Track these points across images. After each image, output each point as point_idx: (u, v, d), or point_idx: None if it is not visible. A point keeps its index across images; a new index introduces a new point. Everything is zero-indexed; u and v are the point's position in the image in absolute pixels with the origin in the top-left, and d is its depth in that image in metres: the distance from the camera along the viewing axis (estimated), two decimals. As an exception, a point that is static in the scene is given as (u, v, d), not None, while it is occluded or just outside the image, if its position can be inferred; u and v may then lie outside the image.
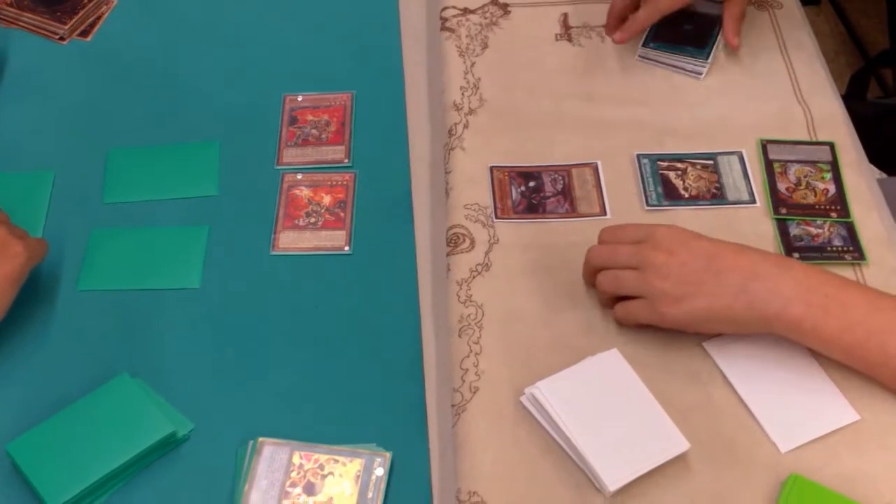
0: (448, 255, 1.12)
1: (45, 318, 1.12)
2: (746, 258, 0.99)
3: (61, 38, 1.39)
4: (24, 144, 1.28)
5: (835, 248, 1.10)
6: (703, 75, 1.26)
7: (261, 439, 1.01)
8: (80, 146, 1.27)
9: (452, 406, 1.02)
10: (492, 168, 1.19)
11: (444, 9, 1.37)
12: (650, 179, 1.17)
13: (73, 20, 1.40)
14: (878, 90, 2.40)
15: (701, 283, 0.99)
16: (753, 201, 1.15)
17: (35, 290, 1.11)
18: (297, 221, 1.18)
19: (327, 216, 1.19)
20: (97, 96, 1.33)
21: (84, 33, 1.40)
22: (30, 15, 1.40)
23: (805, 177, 1.17)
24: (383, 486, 0.98)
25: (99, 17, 1.41)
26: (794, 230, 1.12)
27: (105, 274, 1.15)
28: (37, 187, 1.23)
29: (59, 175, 1.24)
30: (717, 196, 1.15)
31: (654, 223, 1.05)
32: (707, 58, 1.26)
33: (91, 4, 1.41)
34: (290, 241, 1.17)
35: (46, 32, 1.39)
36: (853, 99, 1.31)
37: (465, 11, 1.36)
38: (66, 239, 1.18)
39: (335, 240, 1.17)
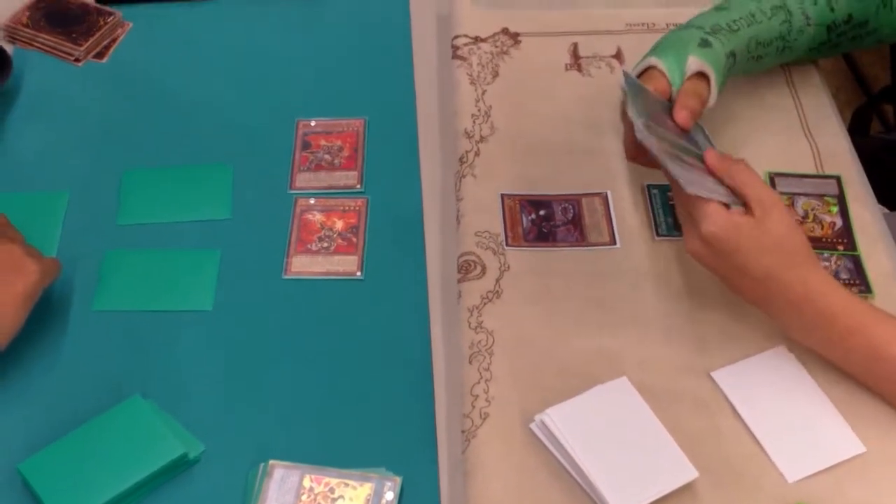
0: (459, 281, 1.13)
1: (58, 338, 1.13)
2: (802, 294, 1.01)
3: (77, 60, 1.40)
4: (39, 165, 1.29)
5: (842, 282, 1.10)
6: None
7: (271, 462, 1.01)
8: (95, 167, 1.28)
9: (462, 432, 1.02)
10: (502, 196, 1.20)
11: (456, 37, 1.38)
12: (660, 210, 1.18)
13: (89, 42, 1.41)
14: (879, 126, 2.42)
15: (742, 280, 1.02)
16: (762, 233, 1.16)
17: (49, 310, 1.11)
18: (309, 246, 1.19)
19: (339, 241, 1.20)
20: (112, 118, 1.34)
21: (99, 55, 1.41)
22: (46, 36, 1.41)
23: (812, 210, 1.18)
24: (393, 510, 0.99)
25: (114, 40, 1.43)
26: (802, 263, 1.13)
27: (119, 295, 1.16)
28: (51, 207, 1.24)
29: (74, 196, 1.25)
30: (726, 227, 1.16)
31: (776, 198, 1.03)
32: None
33: (107, 27, 1.42)
34: (303, 265, 1.18)
35: (62, 54, 1.41)
36: (856, 134, 1.32)
37: (477, 40, 1.38)
38: (80, 259, 1.19)
39: (347, 265, 1.18)
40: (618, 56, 1.36)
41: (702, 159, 1.08)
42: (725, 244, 1.01)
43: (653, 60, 1.15)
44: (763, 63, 1.24)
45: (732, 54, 1.17)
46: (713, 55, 1.15)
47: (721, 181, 1.05)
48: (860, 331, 1.00)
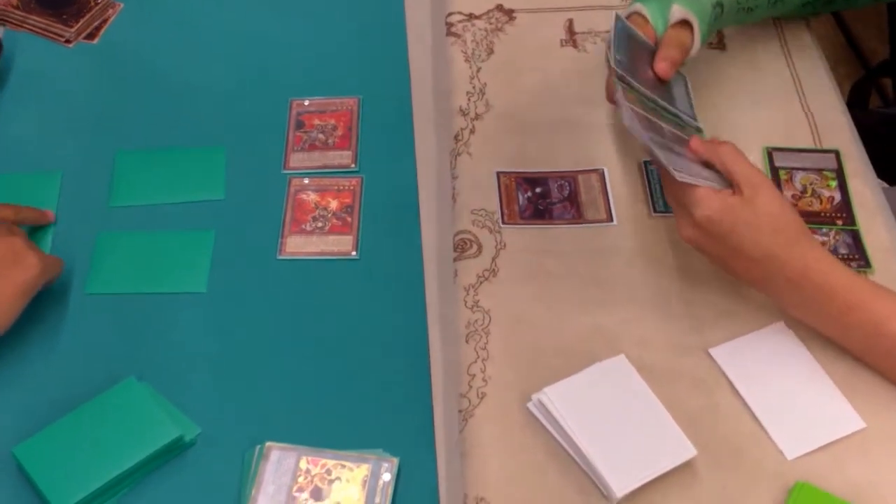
0: (455, 260, 1.12)
1: (52, 321, 1.12)
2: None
3: (67, 41, 1.39)
4: (31, 146, 1.28)
5: (840, 256, 1.10)
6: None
7: (268, 444, 1.01)
8: (87, 148, 1.28)
9: (459, 412, 1.02)
10: (498, 173, 1.19)
11: (450, 14, 1.37)
12: (657, 186, 1.17)
13: (80, 23, 1.40)
14: (878, 100, 2.41)
15: (736, 260, 1.02)
16: (760, 208, 1.15)
17: (42, 293, 1.10)
18: (304, 226, 1.19)
19: (334, 221, 1.19)
20: (103, 99, 1.33)
21: (90, 36, 1.40)
22: (36, 18, 1.40)
23: (811, 184, 1.17)
24: (390, 491, 0.98)
25: (105, 21, 1.41)
26: (801, 238, 1.12)
27: (112, 277, 1.16)
28: (44, 188, 1.23)
29: (66, 178, 1.24)
30: (723, 203, 1.15)
31: (764, 177, 1.02)
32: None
33: (97, 7, 1.41)
34: (297, 245, 1.17)
35: (53, 35, 1.39)
36: (854, 108, 1.31)
37: (471, 17, 1.37)
38: (73, 242, 1.18)
39: (342, 244, 1.17)
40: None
41: (680, 127, 1.09)
42: (719, 226, 1.00)
43: (637, 7, 1.15)
44: (755, 14, 1.23)
45: (720, 4, 1.16)
46: (698, 4, 1.14)
47: (707, 164, 1.05)
48: (859, 307, 0.99)
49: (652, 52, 1.14)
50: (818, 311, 1.01)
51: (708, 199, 1.00)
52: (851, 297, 0.99)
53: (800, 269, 0.99)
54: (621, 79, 1.07)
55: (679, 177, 0.99)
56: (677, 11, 1.13)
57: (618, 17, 1.11)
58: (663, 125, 1.08)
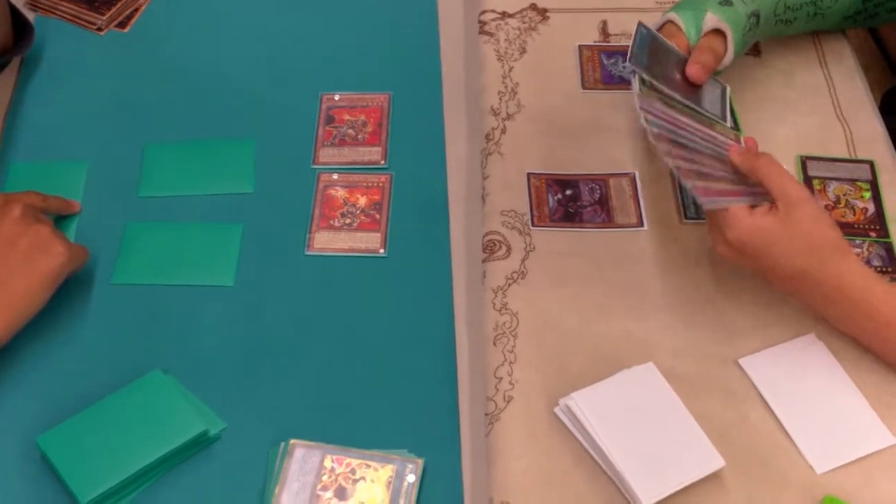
0: (484, 261, 1.12)
1: (78, 311, 1.11)
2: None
3: (99, 29, 1.39)
4: (59, 134, 1.28)
5: (874, 269, 1.09)
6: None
7: (293, 441, 1.00)
8: (115, 138, 1.27)
9: (486, 414, 1.01)
10: (529, 175, 1.18)
11: (483, 12, 1.36)
12: (689, 192, 1.16)
13: (111, 11, 1.39)
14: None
15: (771, 274, 1.02)
16: (793, 218, 1.14)
17: (68, 283, 1.09)
18: (332, 222, 1.18)
19: (363, 217, 1.18)
20: (133, 88, 1.32)
21: (122, 24, 1.39)
22: (68, 4, 1.39)
23: (844, 195, 1.16)
24: (415, 493, 0.97)
25: (137, 9, 1.41)
26: (834, 249, 1.11)
27: (139, 268, 1.15)
28: (71, 178, 1.22)
29: (94, 166, 1.24)
30: (756, 211, 1.15)
31: (802, 192, 1.01)
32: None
33: (130, -5, 1.41)
34: (325, 241, 1.17)
35: (84, 22, 1.39)
36: (886, 116, 1.31)
37: (504, 15, 1.36)
38: (100, 231, 1.17)
39: (370, 242, 1.16)
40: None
41: (710, 124, 1.09)
42: (752, 248, 1.00)
43: (670, 15, 1.15)
44: (793, 27, 1.23)
45: (755, 15, 1.16)
46: (733, 14, 1.14)
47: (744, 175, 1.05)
48: None
49: (682, 60, 1.13)
50: (855, 325, 1.01)
51: (739, 221, 1.00)
52: (890, 312, 0.98)
53: (835, 285, 0.99)
54: (641, 79, 1.07)
55: (706, 206, 1.00)
56: (710, 20, 1.13)
57: (640, 25, 1.11)
58: (691, 123, 1.08)
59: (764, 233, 0.99)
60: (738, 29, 1.14)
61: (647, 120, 1.03)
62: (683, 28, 1.14)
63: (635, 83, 1.07)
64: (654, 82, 1.08)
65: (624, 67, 1.21)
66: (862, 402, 1.00)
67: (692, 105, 1.11)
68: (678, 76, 1.12)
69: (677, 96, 1.10)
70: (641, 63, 1.08)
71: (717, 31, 1.14)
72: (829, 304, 1.00)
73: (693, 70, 1.12)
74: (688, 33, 1.14)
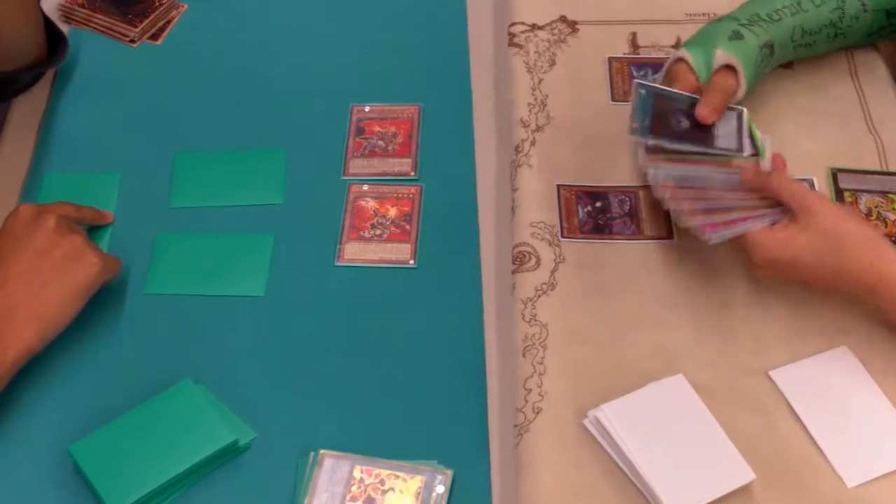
0: (513, 272, 1.12)
1: (110, 321, 1.12)
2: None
3: (132, 41, 1.40)
4: (92, 146, 1.29)
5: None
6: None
7: (322, 451, 1.00)
8: (148, 149, 1.28)
9: (515, 426, 1.01)
10: (558, 186, 1.18)
11: (513, 24, 1.36)
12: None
13: (144, 23, 1.40)
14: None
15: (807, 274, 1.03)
16: (825, 229, 1.14)
17: (101, 293, 1.10)
18: (362, 233, 1.18)
19: (393, 229, 1.19)
20: (165, 100, 1.34)
21: (154, 37, 1.41)
22: (101, 16, 1.41)
23: (876, 207, 1.15)
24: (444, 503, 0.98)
25: (169, 21, 1.42)
26: (865, 262, 1.11)
27: (171, 278, 1.16)
28: (104, 189, 1.23)
29: (126, 178, 1.25)
30: (786, 224, 1.14)
31: (815, 194, 1.04)
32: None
33: (162, 8, 1.42)
34: (356, 252, 1.17)
35: (117, 34, 1.40)
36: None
37: (534, 28, 1.36)
38: (132, 242, 1.18)
39: (400, 253, 1.17)
40: (677, 46, 1.33)
41: (726, 160, 1.11)
42: (781, 263, 1.02)
43: (681, 52, 1.16)
44: (814, 49, 1.23)
45: (769, 45, 1.17)
46: (743, 48, 1.14)
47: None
48: None
49: (691, 103, 1.13)
50: None
51: (761, 242, 1.02)
52: None
53: (874, 277, 1.00)
54: (645, 145, 1.11)
55: (713, 241, 1.02)
56: (721, 57, 1.14)
57: (638, 86, 1.13)
58: (701, 168, 1.10)
59: (788, 245, 1.01)
60: (749, 63, 1.14)
61: (654, 176, 1.07)
62: (693, 65, 1.14)
63: (641, 149, 1.11)
64: (660, 143, 1.10)
65: (654, 79, 1.21)
66: (893, 415, 1.00)
67: (703, 150, 1.12)
68: (687, 123, 1.13)
69: (686, 147, 1.11)
70: (644, 130, 1.10)
71: (729, 67, 1.14)
72: (871, 294, 1.01)
73: (703, 113, 1.12)
74: (698, 71, 1.14)
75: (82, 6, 1.42)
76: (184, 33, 1.41)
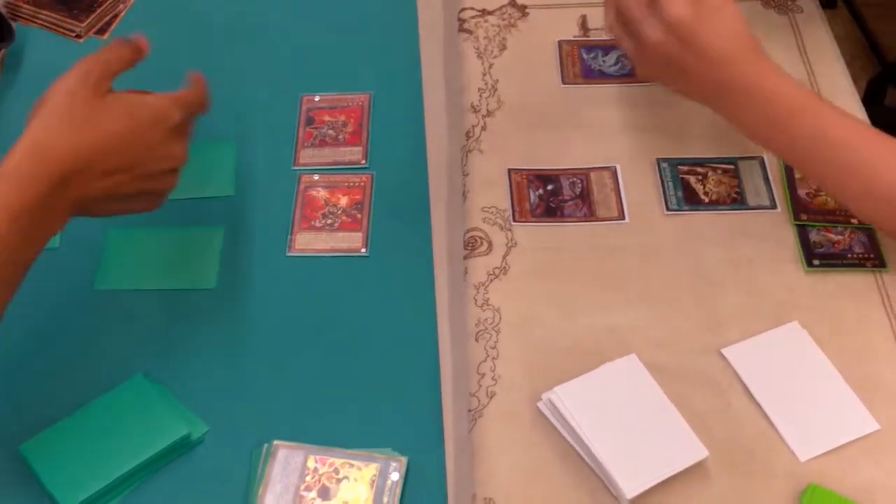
0: (465, 258, 1.11)
1: (59, 317, 1.11)
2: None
3: (78, 36, 1.39)
4: (40, 142, 1.27)
5: (856, 255, 1.09)
6: None
7: (275, 442, 1.00)
8: (96, 145, 1.26)
9: (469, 411, 1.01)
10: (509, 171, 1.18)
11: (462, 10, 1.36)
12: (670, 183, 1.16)
13: (90, 18, 1.39)
14: (895, 96, 2.39)
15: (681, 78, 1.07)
16: (774, 207, 1.14)
17: (49, 289, 1.10)
18: (313, 223, 1.18)
19: (344, 217, 1.18)
20: (113, 94, 1.32)
21: (101, 31, 1.39)
22: (47, 12, 1.39)
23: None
24: (399, 491, 0.97)
25: (115, 16, 1.41)
26: (815, 236, 1.11)
27: (121, 273, 1.15)
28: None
29: (74, 174, 1.24)
30: (737, 201, 1.15)
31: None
32: None
33: (108, 2, 1.40)
34: (307, 242, 1.16)
35: (63, 30, 1.39)
36: (870, 105, 1.31)
37: (484, 13, 1.36)
38: (81, 238, 1.17)
39: (352, 241, 1.16)
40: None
41: None
42: (689, 28, 1.03)
43: None
44: None
45: None
46: None
47: None
48: (803, 112, 1.02)
49: None
50: (767, 120, 1.04)
51: None
52: (798, 101, 1.03)
53: (755, 73, 1.03)
54: None
55: None
56: None
57: None
58: None
59: (701, 8, 1.03)
60: None
61: None
62: None
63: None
64: None
65: (603, 62, 1.21)
66: (845, 389, 1.00)
67: None
68: None
69: None
70: None
71: None
72: (746, 97, 1.04)
73: None
74: None
75: (28, 2, 1.40)
76: (130, 27, 1.40)
